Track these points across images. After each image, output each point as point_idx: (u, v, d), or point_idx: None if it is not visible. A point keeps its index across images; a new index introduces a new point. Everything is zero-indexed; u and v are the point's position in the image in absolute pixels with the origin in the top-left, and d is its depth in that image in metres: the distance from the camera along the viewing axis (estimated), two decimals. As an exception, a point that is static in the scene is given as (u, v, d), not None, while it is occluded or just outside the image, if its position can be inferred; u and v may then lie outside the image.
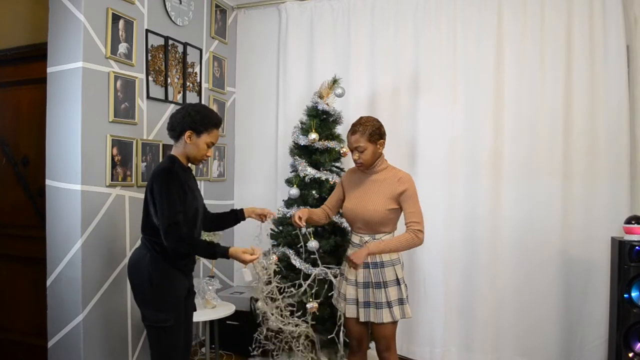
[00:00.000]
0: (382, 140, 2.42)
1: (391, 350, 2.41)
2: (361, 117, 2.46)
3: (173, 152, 2.27)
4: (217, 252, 2.17)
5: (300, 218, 2.43)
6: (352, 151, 2.43)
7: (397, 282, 2.37)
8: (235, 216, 2.54)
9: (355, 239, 2.45)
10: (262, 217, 2.52)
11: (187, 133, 2.20)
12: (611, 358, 2.73)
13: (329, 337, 2.94)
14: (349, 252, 2.43)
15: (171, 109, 3.26)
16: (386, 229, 2.38)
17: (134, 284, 2.23)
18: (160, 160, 3.11)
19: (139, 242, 2.28)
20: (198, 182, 2.58)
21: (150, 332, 2.20)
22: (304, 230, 2.80)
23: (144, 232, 2.24)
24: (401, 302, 2.37)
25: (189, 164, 2.32)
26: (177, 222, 2.09)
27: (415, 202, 2.36)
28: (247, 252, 2.17)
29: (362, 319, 2.38)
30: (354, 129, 2.40)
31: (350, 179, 2.56)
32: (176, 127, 2.22)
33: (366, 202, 2.38)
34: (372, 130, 2.37)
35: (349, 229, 2.60)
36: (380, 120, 3.46)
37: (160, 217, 2.09)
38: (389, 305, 2.33)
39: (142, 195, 2.92)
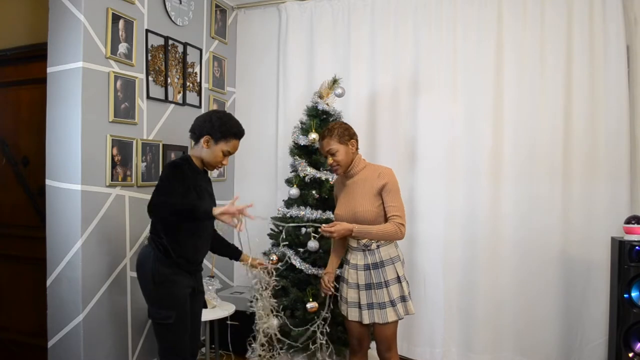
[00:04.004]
0: (353, 140, 2.46)
1: (392, 350, 2.41)
2: (328, 124, 2.55)
3: (189, 152, 2.31)
4: (204, 211, 2.05)
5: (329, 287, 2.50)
6: (326, 157, 2.48)
7: (398, 279, 2.37)
8: (232, 253, 2.58)
9: (352, 242, 2.44)
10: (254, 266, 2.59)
11: (205, 138, 2.23)
12: (611, 358, 2.73)
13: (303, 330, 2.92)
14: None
15: (171, 109, 3.26)
16: None
17: (140, 281, 2.28)
18: (161, 160, 3.11)
19: (141, 240, 2.29)
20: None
21: (155, 327, 2.25)
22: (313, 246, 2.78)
23: (151, 231, 2.27)
24: (404, 299, 2.38)
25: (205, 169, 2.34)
26: (165, 202, 2.06)
27: (396, 196, 2.38)
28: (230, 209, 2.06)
29: (366, 322, 2.37)
30: (322, 134, 2.47)
31: (336, 187, 2.62)
32: (196, 130, 2.26)
33: (354, 206, 2.39)
34: (340, 132, 2.43)
35: None
36: (380, 120, 3.54)
37: (154, 197, 2.10)
38: (392, 304, 2.34)
39: (142, 195, 2.95)
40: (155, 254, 2.20)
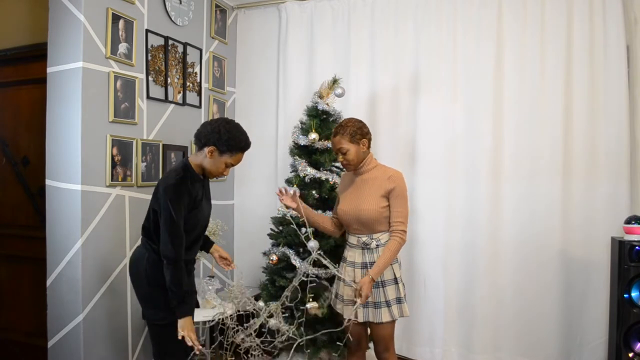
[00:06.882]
0: (364, 140, 2.44)
1: (390, 350, 2.42)
2: (342, 120, 2.52)
3: (190, 159, 2.23)
4: (182, 307, 2.11)
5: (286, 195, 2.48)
6: (337, 154, 2.47)
7: (395, 281, 2.38)
8: (204, 245, 2.50)
9: (352, 239, 2.46)
10: (223, 263, 2.51)
11: (210, 148, 2.15)
12: (611, 358, 2.73)
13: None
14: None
15: (171, 109, 3.26)
16: (382, 227, 2.39)
17: (134, 282, 2.25)
18: (161, 160, 3.12)
19: (139, 241, 2.28)
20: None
21: (150, 329, 2.24)
22: (305, 233, 2.74)
23: (143, 234, 2.24)
24: (399, 301, 2.38)
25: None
26: (179, 245, 2.07)
27: (403, 201, 2.39)
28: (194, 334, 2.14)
29: (361, 320, 2.38)
30: (335, 131, 2.45)
31: (343, 182, 2.61)
32: (202, 138, 2.17)
33: (359, 202, 2.39)
34: (352, 131, 2.41)
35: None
36: (380, 120, 3.54)
37: (164, 234, 2.08)
38: (388, 304, 2.34)
39: (142, 195, 2.95)
40: (149, 255, 2.17)
